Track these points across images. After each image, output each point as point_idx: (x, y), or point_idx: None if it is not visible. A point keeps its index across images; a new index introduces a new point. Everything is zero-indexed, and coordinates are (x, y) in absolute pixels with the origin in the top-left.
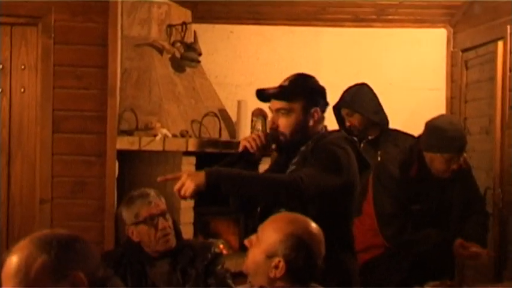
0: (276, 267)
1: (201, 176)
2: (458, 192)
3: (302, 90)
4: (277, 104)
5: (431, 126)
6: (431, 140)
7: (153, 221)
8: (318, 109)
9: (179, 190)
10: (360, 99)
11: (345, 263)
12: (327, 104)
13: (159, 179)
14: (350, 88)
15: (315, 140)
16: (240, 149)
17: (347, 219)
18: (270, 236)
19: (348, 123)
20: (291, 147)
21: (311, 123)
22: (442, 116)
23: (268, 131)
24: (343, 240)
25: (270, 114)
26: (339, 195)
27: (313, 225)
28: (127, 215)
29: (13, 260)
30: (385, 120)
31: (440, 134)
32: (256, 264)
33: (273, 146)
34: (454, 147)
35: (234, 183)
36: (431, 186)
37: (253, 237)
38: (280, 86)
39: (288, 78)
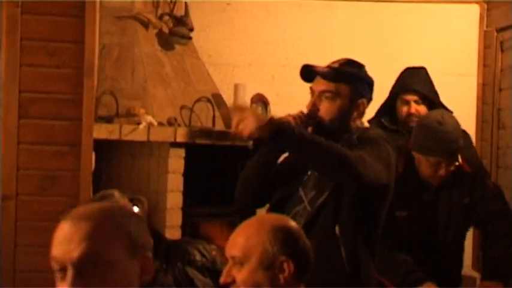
0: (282, 270)
1: (269, 123)
2: (457, 203)
3: (352, 77)
4: (323, 84)
5: (419, 124)
6: (417, 140)
7: None
8: (365, 101)
9: (237, 126)
10: (433, 88)
11: (365, 267)
12: (371, 98)
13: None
14: (413, 70)
15: (359, 131)
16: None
17: (376, 224)
18: (253, 245)
19: (412, 110)
20: (325, 136)
21: (355, 114)
22: (433, 112)
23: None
24: (368, 244)
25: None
26: (379, 194)
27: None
28: None
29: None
30: None
31: (427, 134)
32: (256, 284)
33: (309, 129)
34: (441, 150)
35: (301, 140)
36: (420, 191)
37: (227, 268)
38: (329, 67)
39: (337, 61)
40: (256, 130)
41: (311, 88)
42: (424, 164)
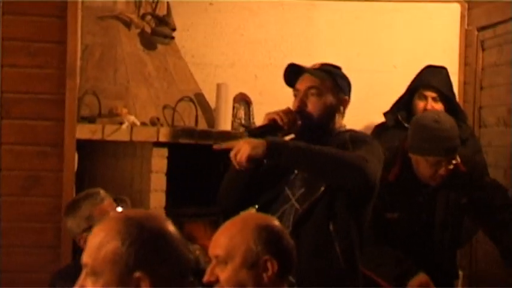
0: (266, 269)
1: (261, 143)
2: (454, 203)
3: (334, 75)
4: (308, 81)
5: (415, 124)
6: (414, 141)
7: None
8: (347, 98)
9: (235, 156)
10: (451, 88)
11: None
12: (350, 99)
13: (214, 146)
14: (435, 68)
15: (351, 132)
16: (266, 121)
17: (366, 220)
18: (237, 244)
19: (428, 106)
20: (313, 133)
21: (341, 109)
22: (429, 112)
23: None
24: (360, 239)
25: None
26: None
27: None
28: (75, 222)
29: (93, 231)
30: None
31: (424, 133)
32: (240, 283)
33: (298, 123)
34: (440, 149)
35: (298, 154)
36: (416, 192)
37: (211, 267)
38: (312, 67)
39: (316, 64)
40: (252, 155)
41: (296, 88)
42: (423, 165)
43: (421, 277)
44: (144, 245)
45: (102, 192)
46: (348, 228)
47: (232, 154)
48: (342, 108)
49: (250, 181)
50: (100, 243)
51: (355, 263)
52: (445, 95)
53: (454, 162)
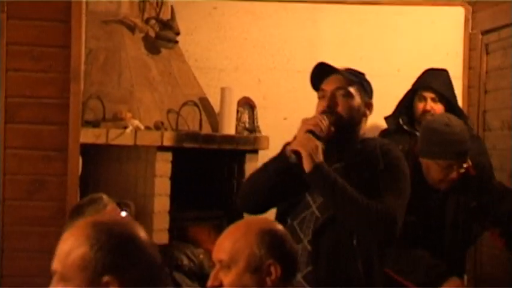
0: (269, 273)
1: (317, 156)
2: (464, 207)
3: (360, 79)
4: (337, 82)
5: (425, 128)
6: (424, 145)
7: None
8: (372, 102)
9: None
10: (451, 89)
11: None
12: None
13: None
14: (435, 70)
15: (377, 141)
16: (308, 127)
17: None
18: (240, 249)
19: (427, 107)
20: (341, 136)
21: (367, 113)
22: (438, 115)
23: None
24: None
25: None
26: None
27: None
28: None
29: (63, 238)
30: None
31: (435, 137)
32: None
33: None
34: (451, 152)
35: (333, 192)
36: (427, 196)
37: (215, 272)
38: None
39: (340, 67)
40: (309, 156)
41: (322, 89)
42: (433, 169)
43: (454, 281)
44: (112, 250)
45: (105, 197)
46: (370, 246)
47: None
48: (368, 112)
49: (275, 183)
50: (69, 249)
51: (375, 280)
52: (445, 96)
53: (465, 165)
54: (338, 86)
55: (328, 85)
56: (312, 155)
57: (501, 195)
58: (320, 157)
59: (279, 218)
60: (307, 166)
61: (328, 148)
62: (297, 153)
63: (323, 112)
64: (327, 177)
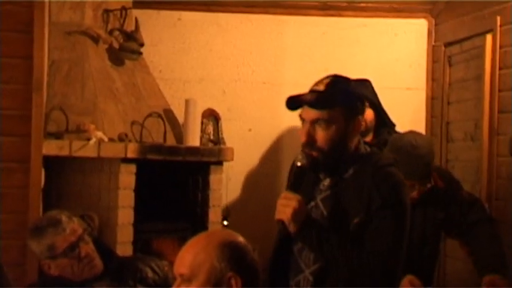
0: (230, 285)
1: (304, 213)
2: (432, 220)
3: (343, 97)
4: (313, 113)
5: (392, 145)
6: None
7: (73, 251)
8: (360, 118)
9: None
10: (375, 94)
11: None
12: (364, 111)
13: None
14: (357, 81)
15: (377, 175)
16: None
17: None
18: (201, 262)
19: None
20: (325, 166)
21: (353, 134)
22: (406, 134)
23: (301, 147)
24: None
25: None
26: None
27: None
28: (38, 248)
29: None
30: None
31: (400, 157)
32: None
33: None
34: (416, 174)
35: (320, 246)
36: None
37: (176, 285)
38: (316, 91)
39: (321, 82)
40: (292, 221)
41: (300, 116)
42: None
43: (409, 277)
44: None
45: (64, 219)
46: None
47: (279, 205)
48: (355, 130)
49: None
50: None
51: None
52: (374, 103)
53: (428, 185)
54: (315, 117)
55: (306, 114)
56: (292, 221)
57: (469, 206)
58: (301, 217)
59: (281, 243)
60: (291, 230)
61: (319, 179)
62: (282, 222)
63: (302, 148)
64: (310, 239)
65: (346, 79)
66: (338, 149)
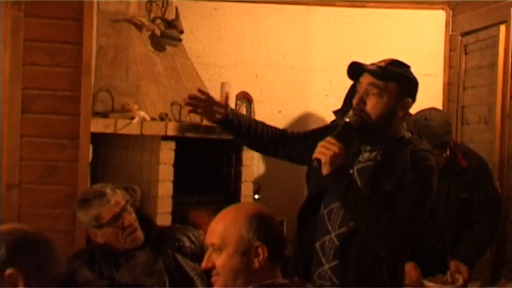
0: (257, 254)
1: (342, 160)
2: (454, 196)
3: (400, 76)
4: (370, 79)
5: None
6: None
7: (117, 221)
8: (410, 100)
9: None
10: None
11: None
12: (415, 99)
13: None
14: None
15: (414, 156)
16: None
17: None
18: (231, 233)
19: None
20: (370, 134)
21: (400, 114)
22: (422, 110)
23: (353, 107)
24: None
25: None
26: None
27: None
28: (86, 218)
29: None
30: None
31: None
32: (233, 269)
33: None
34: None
35: (347, 198)
36: None
37: (208, 254)
38: (376, 65)
39: (383, 61)
40: (328, 163)
41: (359, 81)
42: None
43: (409, 265)
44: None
45: (109, 192)
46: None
47: (319, 146)
48: (403, 112)
49: None
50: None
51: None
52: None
53: (444, 155)
54: (371, 82)
55: (364, 79)
56: (327, 163)
57: (489, 203)
58: (338, 163)
59: (310, 202)
60: (324, 172)
61: (357, 146)
62: (319, 161)
63: (353, 108)
64: (340, 185)
65: (405, 64)
66: (383, 120)
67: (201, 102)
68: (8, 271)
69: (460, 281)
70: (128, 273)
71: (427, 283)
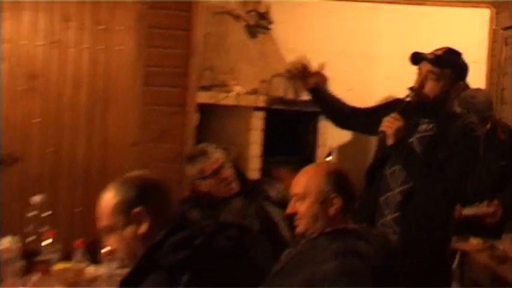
0: (333, 204)
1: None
2: (493, 164)
3: (453, 63)
4: (429, 67)
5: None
6: None
7: (217, 174)
8: (462, 84)
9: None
10: None
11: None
12: (466, 82)
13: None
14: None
15: (464, 128)
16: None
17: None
18: (313, 185)
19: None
20: (427, 111)
21: (453, 95)
22: (470, 90)
23: (414, 89)
24: None
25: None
26: None
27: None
28: (192, 171)
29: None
30: None
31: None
32: (313, 215)
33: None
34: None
35: (407, 161)
36: None
37: (292, 203)
38: (434, 54)
39: (440, 49)
40: (393, 135)
41: (419, 68)
42: None
43: None
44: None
45: (210, 150)
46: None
47: (385, 120)
48: (455, 93)
49: None
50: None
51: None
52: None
53: (486, 128)
54: (429, 69)
55: (424, 66)
56: (392, 135)
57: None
58: (400, 135)
59: (376, 165)
60: (388, 143)
61: (415, 119)
62: (384, 133)
63: (412, 88)
64: (401, 154)
65: (458, 52)
66: (439, 100)
67: (300, 70)
68: (136, 209)
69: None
70: (225, 216)
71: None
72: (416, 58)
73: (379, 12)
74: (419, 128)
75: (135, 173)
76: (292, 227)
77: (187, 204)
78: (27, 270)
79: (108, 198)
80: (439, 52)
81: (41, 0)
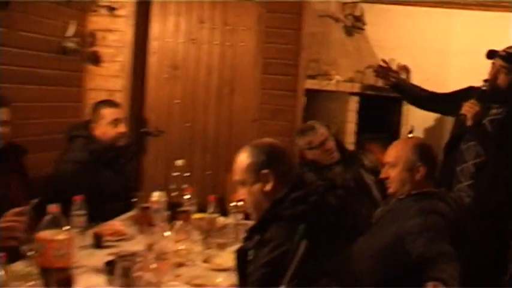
0: (419, 171)
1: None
2: None
3: None
4: (501, 62)
5: None
6: None
7: (322, 145)
8: None
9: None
10: None
11: None
12: None
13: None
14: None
15: None
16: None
17: None
18: (403, 155)
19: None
20: (498, 98)
21: None
22: None
23: (488, 80)
24: None
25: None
26: None
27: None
28: (301, 142)
29: (238, 158)
30: None
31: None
32: (402, 179)
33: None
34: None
35: (482, 139)
36: None
37: (384, 170)
38: (506, 51)
39: (511, 47)
40: (471, 118)
41: (493, 63)
42: None
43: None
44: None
45: (317, 126)
46: None
47: (465, 105)
48: None
49: None
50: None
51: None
52: None
53: None
54: (502, 64)
55: (497, 61)
56: (471, 117)
57: None
58: (477, 118)
59: (453, 140)
60: (468, 124)
61: (488, 105)
62: (465, 115)
63: (485, 80)
64: (478, 133)
65: None
66: (509, 90)
67: (383, 69)
68: (264, 171)
69: None
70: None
71: None
72: (491, 54)
73: (452, 16)
74: (491, 112)
75: (266, 139)
76: (381, 189)
77: (304, 168)
78: (172, 218)
79: (243, 158)
80: (511, 50)
81: (182, 5)
